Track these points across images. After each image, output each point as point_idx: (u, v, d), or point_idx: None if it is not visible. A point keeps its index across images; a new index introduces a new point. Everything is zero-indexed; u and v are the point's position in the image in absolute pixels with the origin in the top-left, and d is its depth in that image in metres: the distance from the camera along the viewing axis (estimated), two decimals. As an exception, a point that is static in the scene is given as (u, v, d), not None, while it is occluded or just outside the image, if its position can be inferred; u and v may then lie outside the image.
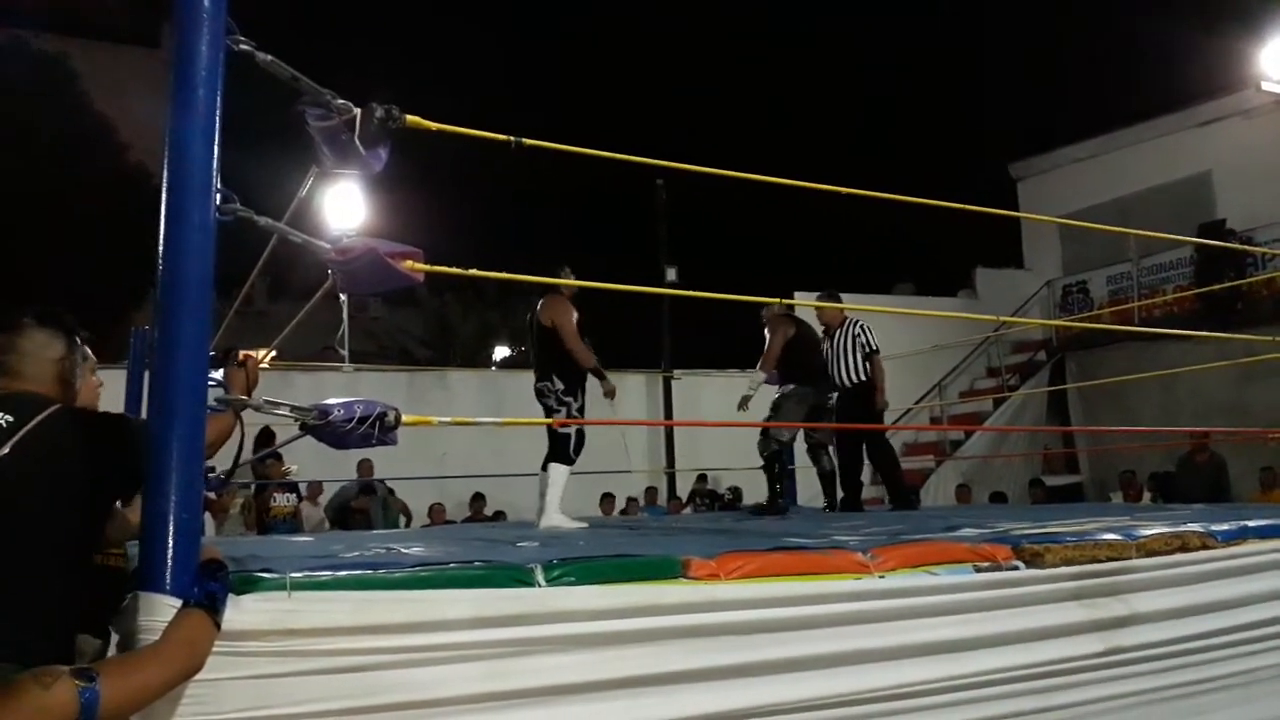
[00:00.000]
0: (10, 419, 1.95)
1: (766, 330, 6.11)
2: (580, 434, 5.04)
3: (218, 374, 2.24)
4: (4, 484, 1.87)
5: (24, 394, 2.05)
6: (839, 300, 6.52)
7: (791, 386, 5.96)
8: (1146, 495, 9.70)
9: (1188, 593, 2.97)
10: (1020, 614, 2.65)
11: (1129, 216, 12.65)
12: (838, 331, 6.27)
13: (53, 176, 12.96)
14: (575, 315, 5.09)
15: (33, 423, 1.95)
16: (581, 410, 5.07)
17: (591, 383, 5.12)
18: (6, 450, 1.89)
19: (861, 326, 6.24)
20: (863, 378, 6.15)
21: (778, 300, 5.68)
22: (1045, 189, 15.17)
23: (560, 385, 5.04)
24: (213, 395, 2.08)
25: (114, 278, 12.73)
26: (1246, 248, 10.97)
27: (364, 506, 8.87)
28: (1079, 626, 2.72)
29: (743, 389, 6.00)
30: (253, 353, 2.34)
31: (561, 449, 5.02)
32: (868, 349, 6.17)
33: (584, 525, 4.86)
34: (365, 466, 9.18)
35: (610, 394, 5.09)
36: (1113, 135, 14.51)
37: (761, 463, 5.97)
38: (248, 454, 2.35)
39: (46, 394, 2.06)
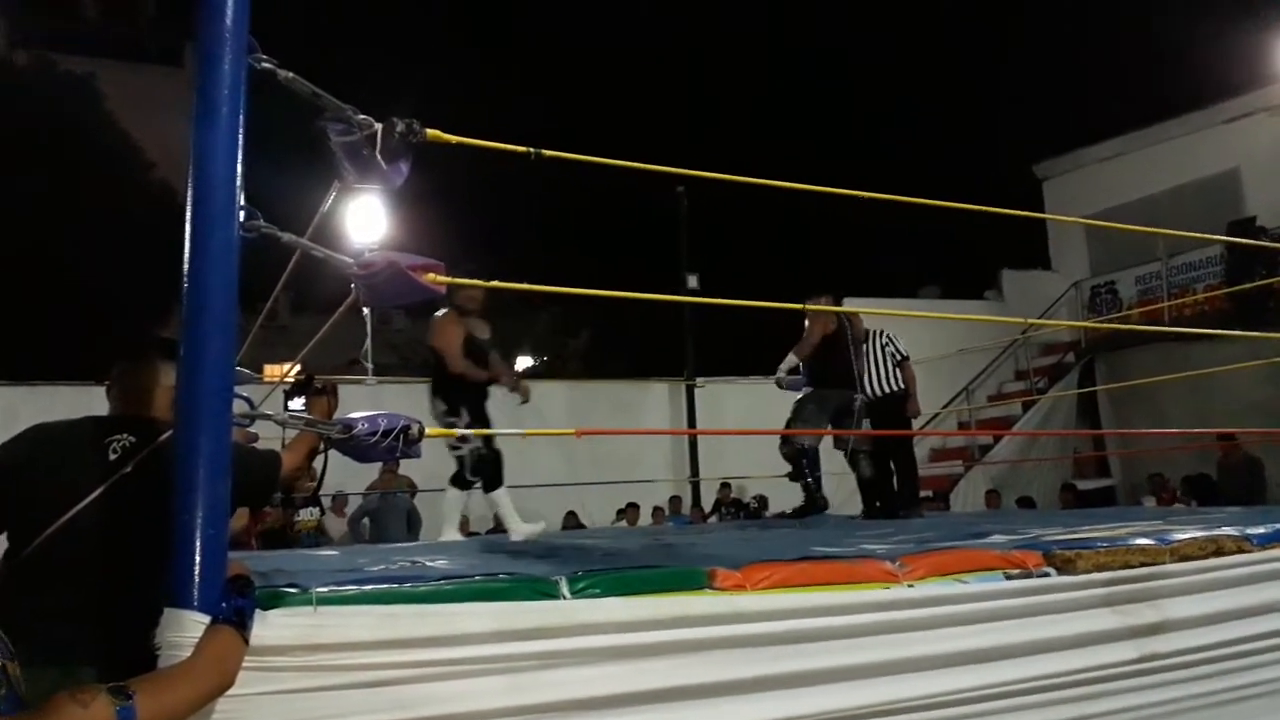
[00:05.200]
0: (134, 440, 2.11)
1: (808, 320, 5.89)
2: (487, 453, 4.79)
3: (297, 402, 2.37)
4: (127, 499, 2.02)
5: (146, 418, 2.21)
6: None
7: (811, 390, 5.79)
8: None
9: (1223, 597, 2.91)
10: (1052, 622, 2.61)
11: (1157, 215, 12.47)
12: (864, 343, 6.14)
13: (79, 195, 13.18)
14: (461, 333, 4.87)
15: (153, 444, 2.10)
16: (478, 423, 4.78)
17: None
18: (130, 469, 2.05)
19: (889, 336, 6.15)
20: (895, 387, 6.06)
21: (801, 305, 5.55)
22: (1071, 189, 14.99)
23: (443, 406, 4.82)
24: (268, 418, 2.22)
25: (140, 295, 12.91)
26: (1277, 245, 10.80)
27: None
28: (1112, 634, 2.67)
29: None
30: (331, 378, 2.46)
31: (457, 472, 4.85)
32: (899, 356, 6.09)
33: (540, 526, 4.90)
34: (386, 479, 9.19)
35: (525, 394, 4.95)
36: (1138, 133, 14.33)
37: (788, 468, 5.90)
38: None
39: (165, 419, 2.17)
